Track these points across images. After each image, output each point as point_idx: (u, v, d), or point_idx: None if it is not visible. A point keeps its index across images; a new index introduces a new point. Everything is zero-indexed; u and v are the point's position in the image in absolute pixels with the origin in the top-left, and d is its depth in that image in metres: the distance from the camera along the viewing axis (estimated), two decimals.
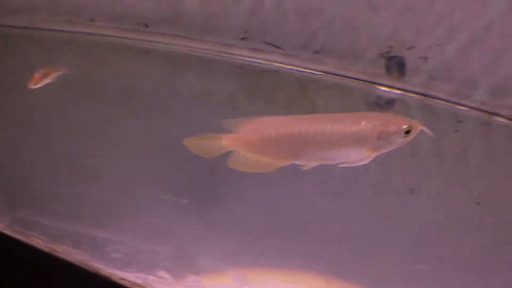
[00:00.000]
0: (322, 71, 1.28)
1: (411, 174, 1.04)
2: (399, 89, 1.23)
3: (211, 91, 1.26)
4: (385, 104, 1.23)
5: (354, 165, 0.78)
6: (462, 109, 1.19)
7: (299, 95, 1.25)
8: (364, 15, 1.20)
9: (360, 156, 0.77)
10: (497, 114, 1.16)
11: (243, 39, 1.31)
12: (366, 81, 1.26)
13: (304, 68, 1.29)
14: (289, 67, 1.30)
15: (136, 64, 1.34)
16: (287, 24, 1.26)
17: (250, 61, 1.32)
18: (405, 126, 0.75)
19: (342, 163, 0.78)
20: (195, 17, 1.32)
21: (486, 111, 1.15)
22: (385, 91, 1.24)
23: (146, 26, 1.35)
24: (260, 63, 1.31)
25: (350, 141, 0.76)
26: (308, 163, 0.78)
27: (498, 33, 1.12)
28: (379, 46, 1.22)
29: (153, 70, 1.32)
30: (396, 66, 1.22)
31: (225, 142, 0.77)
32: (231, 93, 1.24)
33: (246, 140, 0.77)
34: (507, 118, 1.16)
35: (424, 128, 0.77)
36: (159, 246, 0.80)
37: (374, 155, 0.77)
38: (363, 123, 0.75)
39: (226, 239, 0.84)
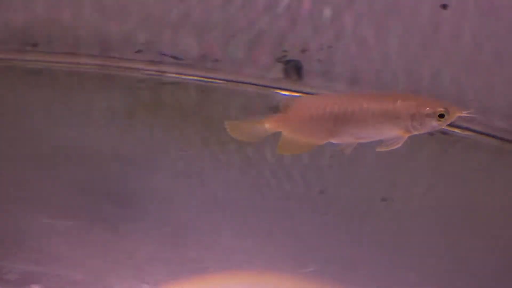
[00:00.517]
0: (222, 80, 1.28)
1: (320, 176, 1.07)
2: (299, 92, 1.26)
3: (109, 108, 1.22)
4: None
5: (389, 148, 0.77)
6: None
7: (200, 105, 1.24)
8: (259, 21, 1.22)
9: (392, 137, 0.76)
10: None
11: (138, 52, 1.28)
12: (266, 87, 1.27)
13: (204, 77, 1.28)
14: (189, 77, 1.29)
15: (27, 85, 1.27)
16: (184, 34, 1.26)
17: (149, 75, 1.29)
18: (439, 109, 0.75)
19: (377, 144, 0.77)
20: (87, 33, 1.27)
21: None
22: (286, 95, 1.27)
23: (35, 45, 1.28)
24: (159, 75, 1.29)
25: (384, 119, 0.75)
26: (344, 141, 0.78)
27: (385, 33, 1.17)
28: (275, 51, 1.24)
29: (45, 90, 1.26)
30: (293, 69, 1.25)
31: (269, 124, 0.76)
32: (131, 108, 1.21)
33: (288, 121, 0.76)
34: None
35: (463, 114, 0.76)
36: (43, 267, 0.77)
37: (406, 136, 0.76)
38: (398, 102, 0.75)
39: (111, 260, 0.82)
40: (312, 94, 1.25)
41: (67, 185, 0.96)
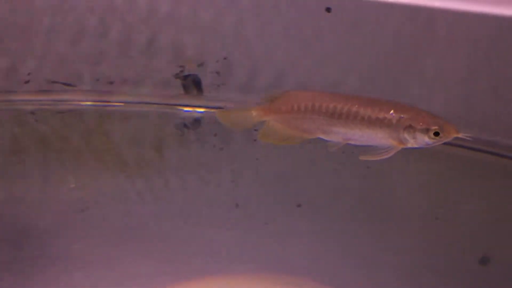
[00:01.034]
0: (120, 102, 1.23)
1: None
2: (201, 106, 1.23)
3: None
4: (192, 124, 1.22)
5: (374, 158, 0.76)
6: None
7: (96, 131, 1.18)
8: (148, 37, 1.18)
9: (384, 145, 0.74)
10: None
11: (26, 82, 1.21)
12: (167, 105, 1.24)
13: (101, 101, 1.23)
14: (84, 103, 1.22)
15: None
16: (74, 58, 1.20)
17: (41, 105, 1.22)
18: (434, 127, 0.72)
19: (368, 149, 0.76)
20: None
21: None
22: (189, 111, 1.23)
23: None
24: (52, 105, 1.22)
25: (374, 126, 0.74)
26: (333, 139, 0.77)
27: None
28: (171, 67, 1.20)
29: None
30: (192, 84, 1.22)
31: (256, 112, 0.78)
32: (21, 142, 1.14)
33: (276, 111, 0.77)
34: None
35: (461, 135, 0.74)
36: None
37: (399, 147, 0.74)
38: (391, 111, 0.73)
39: None
40: (215, 108, 1.23)
41: None
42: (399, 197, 1.08)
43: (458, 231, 1.00)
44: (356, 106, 0.75)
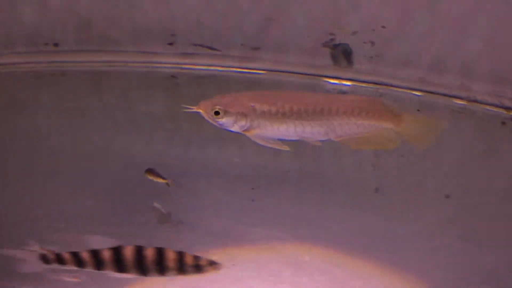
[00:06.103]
0: (264, 70, 1.16)
1: None
2: (349, 79, 1.14)
3: (144, 108, 1.11)
4: None
5: None
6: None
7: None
8: (297, 1, 1.09)
9: None
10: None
11: (170, 44, 1.16)
12: (312, 75, 1.16)
13: (244, 68, 1.16)
14: (227, 69, 1.17)
15: (52, 88, 1.16)
16: (219, 21, 1.13)
17: (184, 69, 1.17)
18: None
19: None
20: (109, 27, 1.14)
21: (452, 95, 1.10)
22: (335, 83, 1.15)
23: (56, 45, 1.16)
24: (194, 69, 1.17)
25: None
26: None
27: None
28: (320, 35, 1.12)
29: (72, 93, 1.14)
30: (342, 54, 1.13)
31: None
32: (169, 106, 1.10)
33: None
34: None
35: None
36: None
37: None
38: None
39: None
40: (365, 82, 1.14)
41: None
42: None
43: None
44: None
